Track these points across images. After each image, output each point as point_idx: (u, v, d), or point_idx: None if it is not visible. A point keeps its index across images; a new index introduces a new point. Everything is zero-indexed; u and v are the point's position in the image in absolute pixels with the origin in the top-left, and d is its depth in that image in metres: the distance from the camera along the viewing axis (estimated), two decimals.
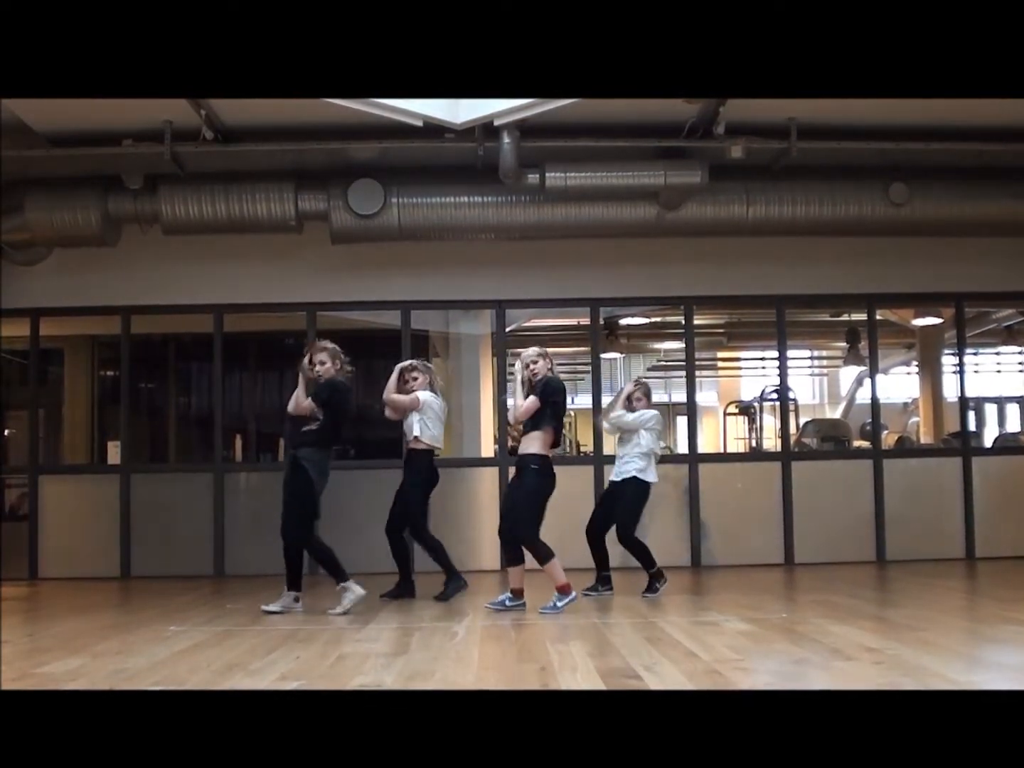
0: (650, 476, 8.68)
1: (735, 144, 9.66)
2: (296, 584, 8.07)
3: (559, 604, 7.57)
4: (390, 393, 8.91)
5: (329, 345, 8.20)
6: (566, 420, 7.97)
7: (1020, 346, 17.82)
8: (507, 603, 7.82)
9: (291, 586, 8.06)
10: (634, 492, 8.67)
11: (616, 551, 8.87)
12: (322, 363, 8.08)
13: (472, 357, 12.49)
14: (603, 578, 8.77)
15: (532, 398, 7.86)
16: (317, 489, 8.05)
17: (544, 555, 7.72)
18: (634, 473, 8.65)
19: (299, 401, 8.15)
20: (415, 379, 8.95)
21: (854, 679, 4.95)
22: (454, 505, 11.06)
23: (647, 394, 8.94)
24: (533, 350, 8.05)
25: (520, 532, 7.85)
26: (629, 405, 8.82)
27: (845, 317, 15.94)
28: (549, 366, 8.01)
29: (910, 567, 10.57)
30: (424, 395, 8.88)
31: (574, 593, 7.66)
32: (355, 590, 7.77)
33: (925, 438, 15.56)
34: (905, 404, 19.73)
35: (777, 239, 11.07)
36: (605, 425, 9.13)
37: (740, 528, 11.37)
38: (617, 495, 8.76)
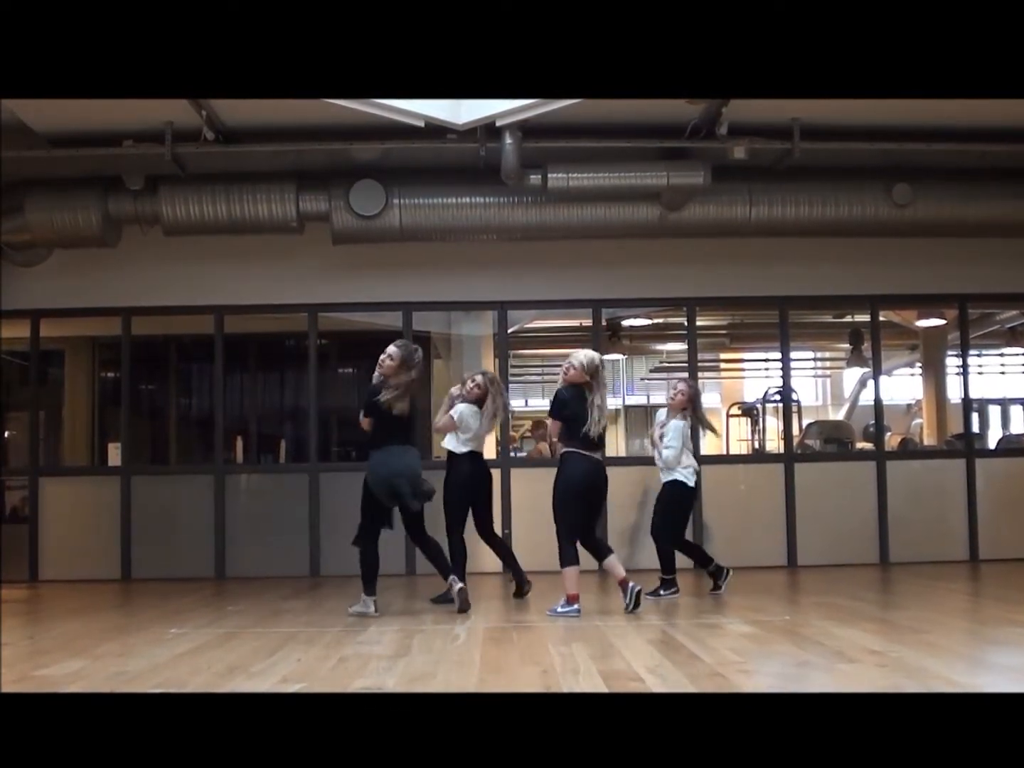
0: (678, 476, 8.73)
1: (738, 145, 9.64)
2: (449, 574, 7.93)
3: (559, 610, 7.53)
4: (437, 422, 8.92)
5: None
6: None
7: None
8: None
9: (448, 577, 7.92)
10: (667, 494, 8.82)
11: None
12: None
13: (474, 358, 12.45)
14: (715, 573, 8.82)
15: (551, 421, 8.00)
16: (376, 494, 7.81)
17: (565, 560, 7.66)
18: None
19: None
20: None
21: (857, 682, 4.94)
22: None
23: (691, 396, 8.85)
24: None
25: (557, 528, 7.82)
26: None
27: (848, 318, 15.91)
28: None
29: (913, 569, 10.54)
30: (458, 411, 8.78)
31: (577, 606, 7.52)
32: (369, 609, 7.71)
33: (928, 440, 15.52)
34: (908, 406, 19.67)
35: (780, 240, 11.04)
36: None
37: (743, 530, 11.34)
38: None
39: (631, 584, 7.58)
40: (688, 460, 8.72)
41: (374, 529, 7.87)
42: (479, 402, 8.76)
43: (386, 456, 7.80)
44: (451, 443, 8.76)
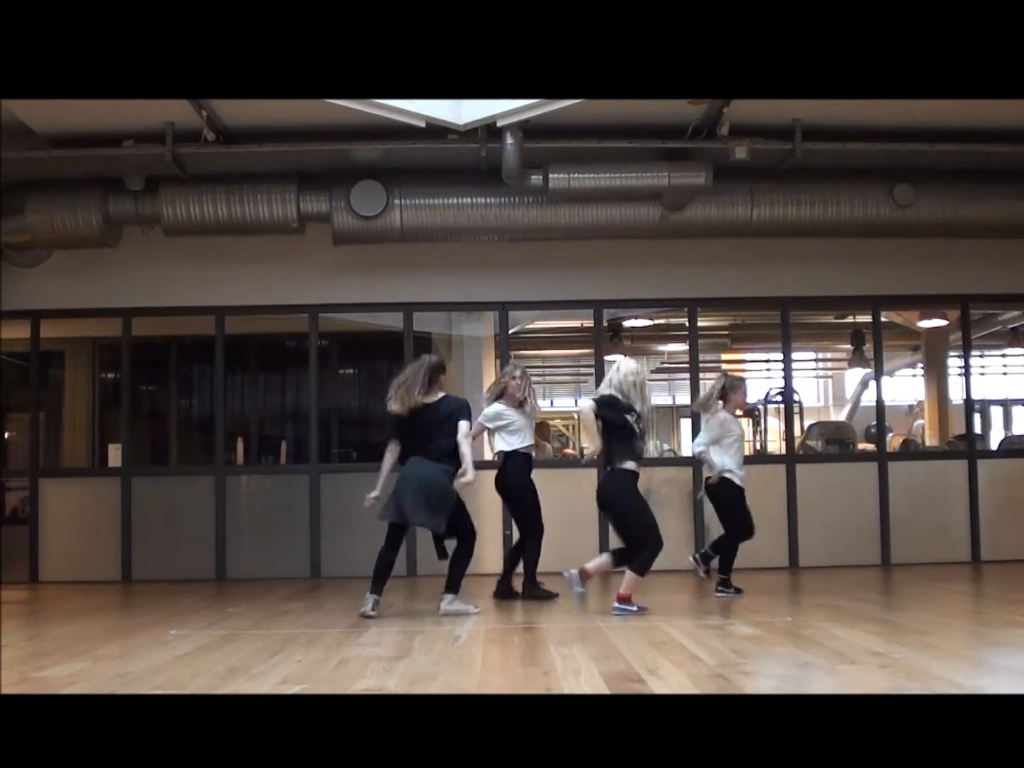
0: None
1: (739, 145, 9.63)
2: (453, 589, 7.88)
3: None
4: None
5: None
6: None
7: None
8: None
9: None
10: None
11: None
12: None
13: (475, 359, 12.45)
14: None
15: None
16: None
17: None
18: None
19: None
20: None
21: (859, 683, 4.91)
22: None
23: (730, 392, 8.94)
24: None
25: None
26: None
27: (850, 319, 15.90)
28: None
29: (915, 570, 10.52)
30: (490, 410, 8.81)
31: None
32: (367, 606, 7.65)
33: (930, 441, 15.50)
34: (910, 407, 19.67)
35: (781, 241, 11.03)
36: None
37: None
38: None
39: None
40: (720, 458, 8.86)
41: (390, 533, 7.84)
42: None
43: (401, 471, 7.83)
44: (501, 443, 8.77)
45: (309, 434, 11.70)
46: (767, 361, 19.80)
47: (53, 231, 10.35)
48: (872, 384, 13.82)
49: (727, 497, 8.90)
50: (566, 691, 4.77)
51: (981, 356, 18.31)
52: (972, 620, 7.73)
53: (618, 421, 7.70)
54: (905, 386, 20.41)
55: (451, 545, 7.99)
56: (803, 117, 9.46)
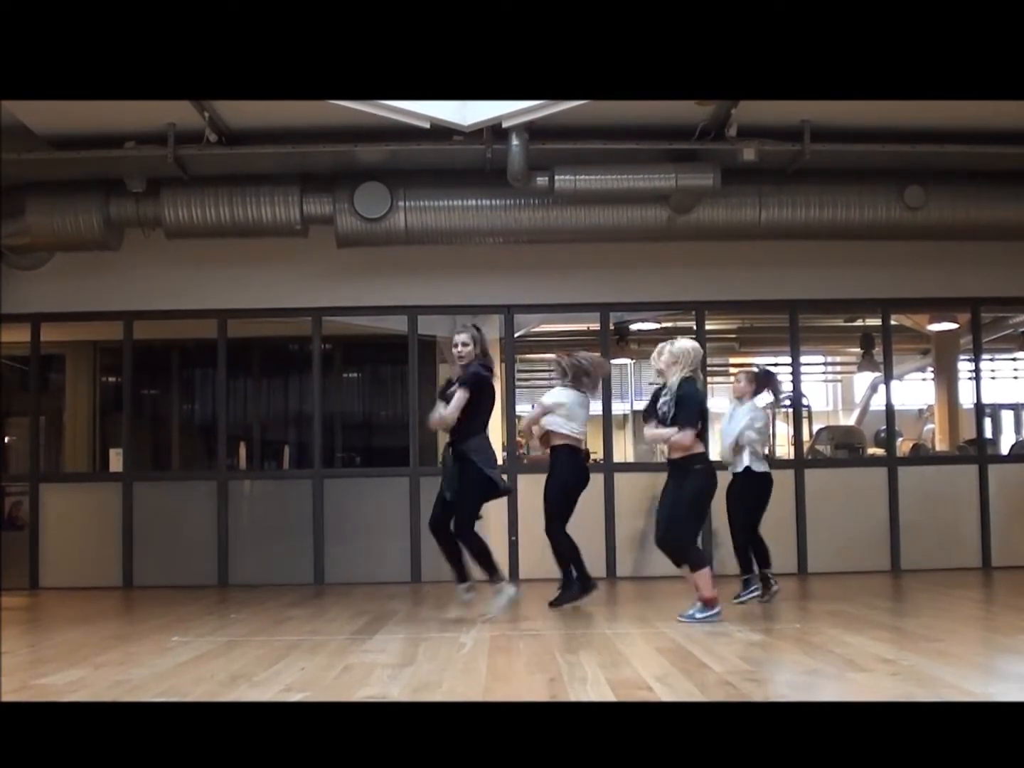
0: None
1: (747, 146, 9.58)
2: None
3: (698, 616, 7.29)
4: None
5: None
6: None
7: None
8: (697, 616, 7.33)
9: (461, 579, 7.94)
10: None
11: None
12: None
13: None
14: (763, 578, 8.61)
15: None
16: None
17: (700, 562, 7.50)
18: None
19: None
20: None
21: (869, 691, 4.88)
22: None
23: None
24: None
25: (681, 537, 7.58)
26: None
27: (859, 322, 15.84)
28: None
29: (925, 576, 10.47)
30: (551, 397, 8.69)
31: (719, 608, 7.33)
32: (507, 591, 7.63)
33: (940, 445, 15.43)
34: (920, 411, 19.63)
35: (790, 243, 10.98)
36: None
37: None
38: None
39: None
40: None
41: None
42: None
43: None
44: (555, 425, 8.63)
45: (312, 439, 11.64)
46: (775, 365, 19.72)
47: (54, 233, 10.31)
48: (882, 388, 13.77)
49: None
50: (573, 699, 4.72)
51: (992, 360, 18.26)
52: (983, 627, 7.69)
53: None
54: (915, 390, 20.35)
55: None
56: (812, 118, 9.39)
